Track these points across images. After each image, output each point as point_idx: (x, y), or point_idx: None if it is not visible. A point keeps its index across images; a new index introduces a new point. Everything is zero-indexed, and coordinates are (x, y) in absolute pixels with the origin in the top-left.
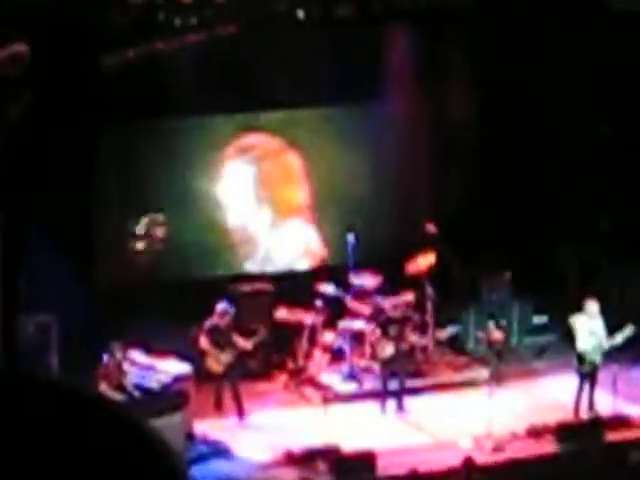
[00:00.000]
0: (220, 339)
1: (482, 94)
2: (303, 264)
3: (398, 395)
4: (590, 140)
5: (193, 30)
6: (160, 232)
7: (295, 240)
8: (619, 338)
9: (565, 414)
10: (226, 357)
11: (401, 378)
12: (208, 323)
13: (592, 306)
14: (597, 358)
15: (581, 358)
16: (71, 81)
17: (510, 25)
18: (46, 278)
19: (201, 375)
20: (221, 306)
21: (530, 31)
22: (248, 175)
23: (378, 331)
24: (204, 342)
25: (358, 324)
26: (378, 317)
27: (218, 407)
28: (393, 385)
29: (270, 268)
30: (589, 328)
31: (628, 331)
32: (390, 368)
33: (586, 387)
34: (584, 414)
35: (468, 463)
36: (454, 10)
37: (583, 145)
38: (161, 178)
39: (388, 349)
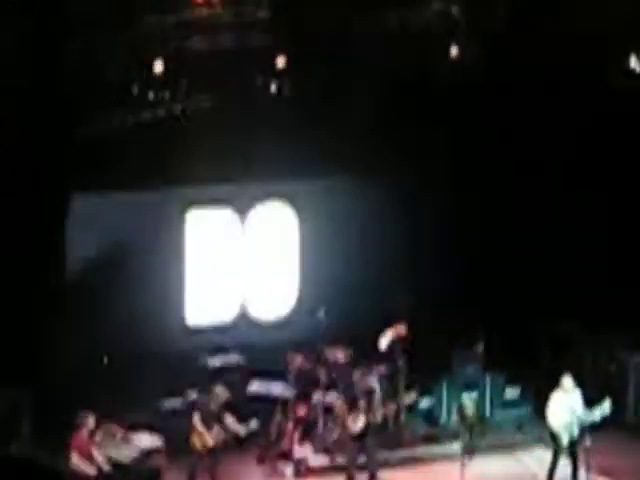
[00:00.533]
0: (211, 419)
1: (457, 167)
2: (276, 337)
3: (372, 469)
4: (561, 211)
5: (166, 104)
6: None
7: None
8: (597, 412)
9: None
10: (214, 438)
11: (371, 453)
12: (201, 400)
13: (567, 381)
14: (574, 433)
15: (554, 436)
16: (43, 150)
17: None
18: (20, 348)
19: (173, 449)
20: (219, 389)
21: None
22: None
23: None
24: (195, 419)
25: (330, 397)
26: (347, 391)
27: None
28: (362, 459)
29: (243, 341)
30: (565, 405)
31: (606, 406)
32: (361, 441)
33: (562, 462)
34: None
35: None
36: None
37: (555, 217)
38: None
39: (359, 422)
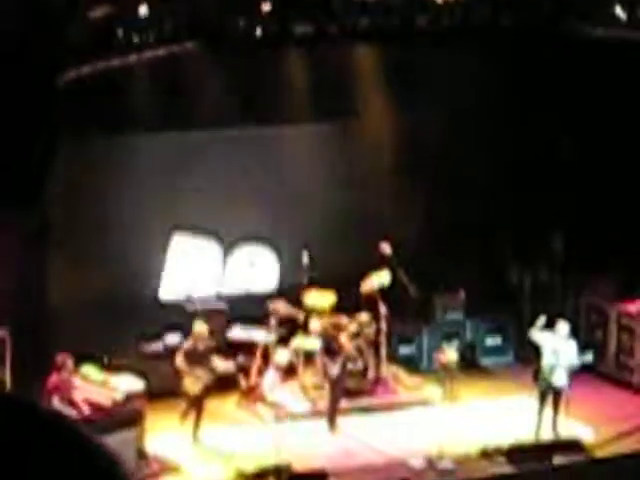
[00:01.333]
0: (198, 361)
1: (442, 118)
2: (258, 283)
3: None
4: (544, 160)
5: (151, 46)
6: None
7: (250, 260)
8: (578, 361)
9: (519, 436)
10: (204, 379)
11: (336, 397)
12: (186, 344)
13: (562, 327)
14: (557, 378)
15: (537, 374)
16: (27, 96)
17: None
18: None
19: (154, 392)
20: (198, 327)
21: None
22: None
23: (324, 352)
24: (181, 362)
25: (311, 343)
26: (327, 337)
27: (196, 427)
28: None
29: (225, 290)
30: (553, 347)
31: (588, 357)
32: (339, 387)
33: (548, 406)
34: (546, 434)
35: None
36: (414, 30)
37: (536, 164)
38: (115, 196)
39: (334, 368)
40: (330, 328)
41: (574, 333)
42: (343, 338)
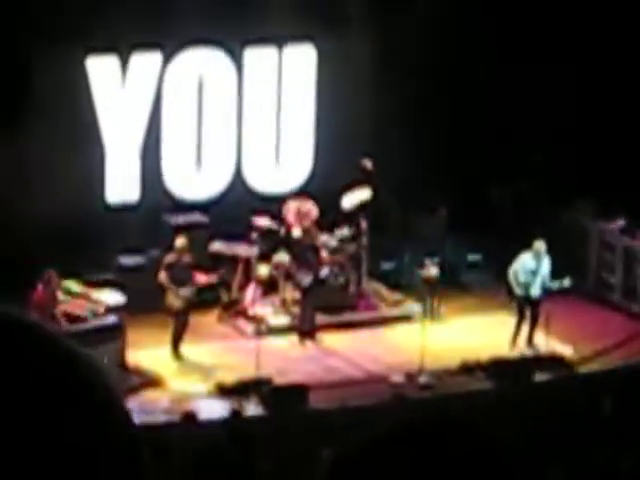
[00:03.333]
0: (179, 275)
1: (428, 35)
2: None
3: (315, 327)
4: (524, 75)
5: None
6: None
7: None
8: (556, 284)
9: (499, 351)
10: (185, 293)
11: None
12: (168, 258)
13: (539, 245)
14: (535, 294)
15: (515, 296)
16: None
17: None
18: None
19: (135, 306)
20: (180, 241)
21: None
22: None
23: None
24: (163, 277)
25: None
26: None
27: (177, 342)
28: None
29: (204, 196)
30: (531, 267)
31: (566, 282)
32: (311, 298)
33: (525, 322)
34: (522, 350)
35: (397, 397)
36: None
37: (518, 80)
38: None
39: (306, 279)
40: (308, 239)
41: (555, 251)
42: (323, 252)
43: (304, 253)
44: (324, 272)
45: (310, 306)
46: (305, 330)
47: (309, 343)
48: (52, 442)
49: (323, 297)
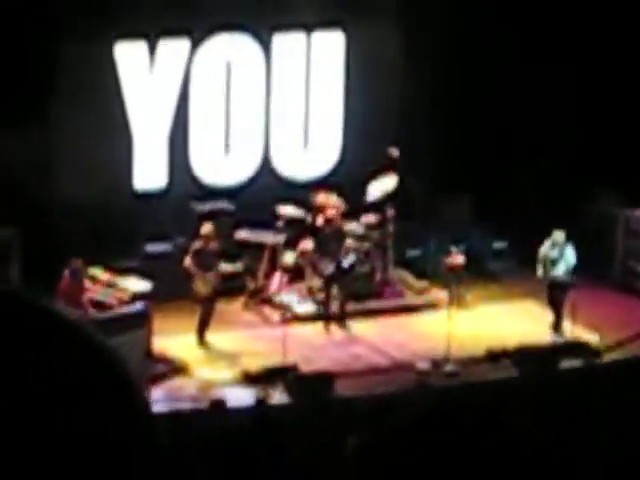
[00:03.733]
0: (205, 261)
1: (455, 25)
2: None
3: (341, 311)
4: (551, 63)
5: None
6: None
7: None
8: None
9: (524, 339)
10: (212, 279)
11: (342, 297)
12: (194, 245)
13: (559, 235)
14: (561, 274)
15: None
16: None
17: None
18: (11, 191)
19: (161, 293)
20: (206, 228)
21: None
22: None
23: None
24: (189, 263)
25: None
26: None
27: (203, 329)
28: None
29: (232, 182)
30: (551, 255)
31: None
32: (333, 286)
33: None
34: (555, 336)
35: (422, 385)
36: None
37: (544, 67)
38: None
39: (329, 267)
40: (332, 228)
41: (581, 240)
42: (349, 240)
43: (327, 242)
44: (350, 260)
45: (339, 293)
46: (332, 317)
47: (335, 330)
48: (71, 427)
49: (349, 284)
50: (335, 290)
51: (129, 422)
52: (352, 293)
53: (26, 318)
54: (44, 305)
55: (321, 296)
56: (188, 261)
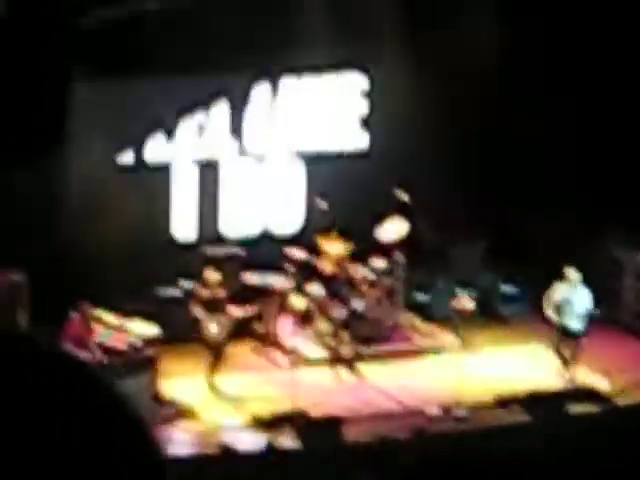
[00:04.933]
0: (215, 308)
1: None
2: (274, 229)
3: (350, 359)
4: (563, 108)
5: None
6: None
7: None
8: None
9: (533, 384)
10: (221, 326)
11: (354, 342)
12: (202, 293)
13: (571, 273)
14: (573, 323)
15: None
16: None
17: None
18: (16, 234)
19: (168, 337)
20: (214, 276)
21: None
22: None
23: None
24: (198, 312)
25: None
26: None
27: (213, 374)
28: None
29: (240, 233)
30: (566, 297)
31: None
32: (347, 330)
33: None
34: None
35: (419, 433)
36: None
37: (556, 106)
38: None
39: (342, 312)
40: (342, 273)
41: (590, 283)
42: (363, 286)
43: (338, 287)
44: (360, 305)
45: (350, 338)
46: (343, 362)
47: (344, 374)
48: (80, 469)
49: (360, 329)
50: (345, 335)
51: (137, 463)
52: (361, 337)
53: (31, 360)
54: (50, 347)
55: (330, 341)
56: (196, 309)
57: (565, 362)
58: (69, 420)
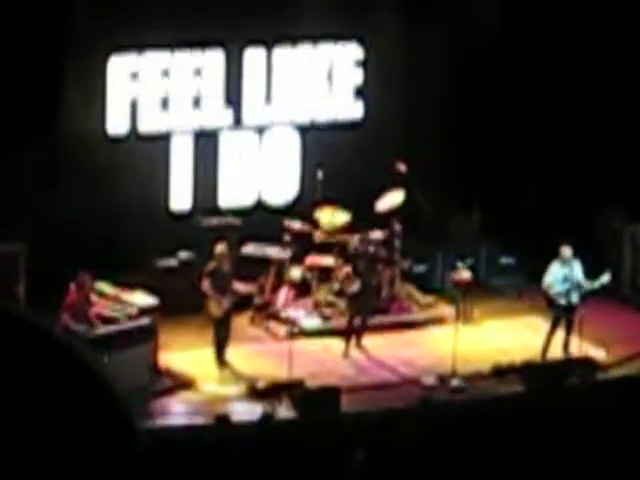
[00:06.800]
0: (220, 283)
1: (461, 40)
2: (272, 199)
3: (359, 332)
4: (557, 77)
5: None
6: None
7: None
8: (596, 284)
9: (532, 355)
10: (227, 302)
11: (364, 315)
12: (209, 267)
13: (565, 251)
14: (572, 300)
15: (551, 303)
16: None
17: None
18: (16, 206)
19: (168, 308)
20: (220, 248)
21: None
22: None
23: (347, 267)
24: (206, 286)
25: (326, 260)
26: (345, 253)
27: (221, 349)
28: (356, 322)
29: (238, 203)
30: (563, 273)
31: (605, 278)
32: (356, 304)
33: (561, 328)
34: (554, 354)
35: (424, 402)
36: None
37: (550, 81)
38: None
39: (355, 285)
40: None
41: (588, 255)
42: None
43: (336, 258)
44: (357, 277)
45: (357, 312)
46: (355, 332)
47: (343, 346)
48: (58, 442)
49: (356, 300)
50: (342, 305)
51: (113, 440)
52: (359, 308)
53: (16, 337)
54: (34, 323)
55: (328, 310)
56: (205, 284)
57: (563, 335)
58: (46, 396)
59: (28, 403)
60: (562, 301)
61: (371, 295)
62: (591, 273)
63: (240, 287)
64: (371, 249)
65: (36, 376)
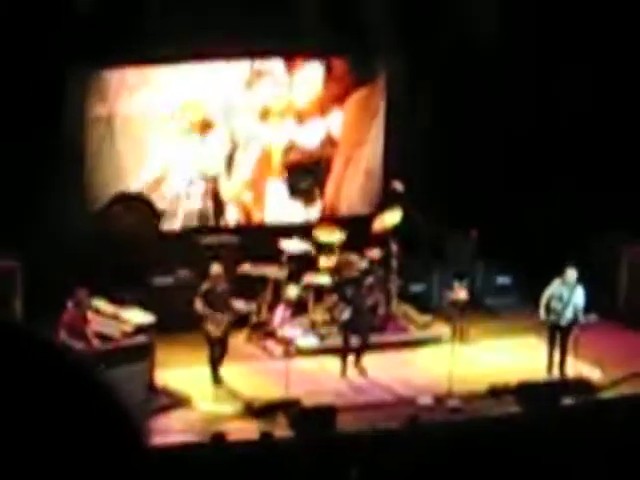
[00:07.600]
0: (216, 302)
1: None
2: (271, 218)
3: (357, 352)
4: (558, 96)
5: None
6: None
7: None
8: (582, 319)
9: (526, 375)
10: (223, 320)
11: (363, 335)
12: (204, 286)
13: (571, 274)
14: (565, 317)
15: (548, 321)
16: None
17: None
18: (12, 221)
19: (165, 326)
20: (215, 268)
21: None
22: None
23: (332, 297)
24: (200, 306)
25: (322, 279)
26: (334, 278)
27: (217, 367)
28: (355, 342)
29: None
30: (560, 292)
31: (591, 318)
32: (350, 329)
33: (556, 349)
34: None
35: (413, 420)
36: None
37: (552, 101)
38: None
39: (345, 312)
40: (342, 265)
41: (585, 275)
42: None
43: (333, 277)
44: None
45: (353, 333)
46: (354, 352)
47: (337, 364)
48: (64, 457)
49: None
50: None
51: (120, 455)
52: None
53: (16, 348)
54: (37, 337)
55: (324, 330)
56: (198, 303)
57: (558, 355)
58: (50, 408)
59: (35, 417)
60: (550, 318)
61: (366, 315)
62: (587, 294)
63: (241, 306)
64: (369, 280)
65: (45, 392)
